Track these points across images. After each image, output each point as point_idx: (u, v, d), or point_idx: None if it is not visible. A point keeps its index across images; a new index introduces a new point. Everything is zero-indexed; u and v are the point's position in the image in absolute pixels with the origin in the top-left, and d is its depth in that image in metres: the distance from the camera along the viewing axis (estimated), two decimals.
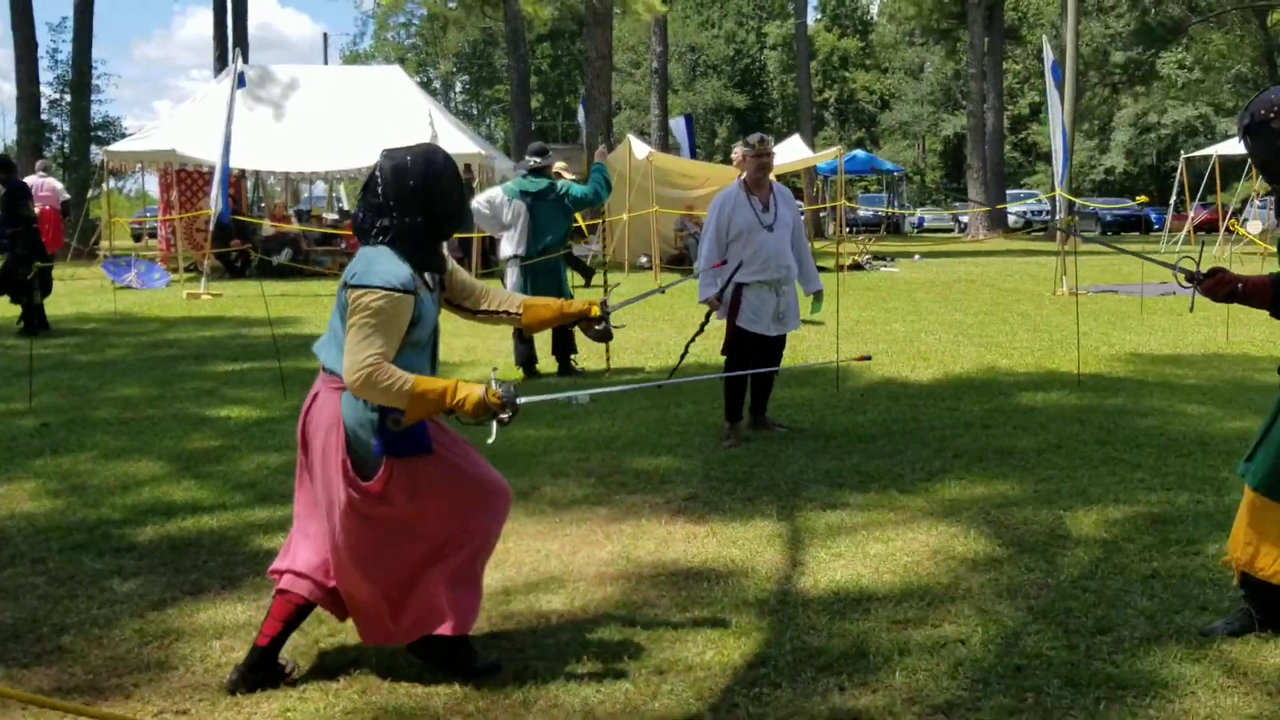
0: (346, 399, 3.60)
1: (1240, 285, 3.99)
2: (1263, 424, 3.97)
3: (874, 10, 73.75)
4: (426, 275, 3.69)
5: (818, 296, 7.62)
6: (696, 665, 3.87)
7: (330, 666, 3.90)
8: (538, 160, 10.05)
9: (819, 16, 72.73)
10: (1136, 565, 4.76)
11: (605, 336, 4.27)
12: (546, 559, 5.05)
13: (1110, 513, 5.53)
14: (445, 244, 3.82)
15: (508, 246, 9.97)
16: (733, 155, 10.38)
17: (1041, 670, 3.75)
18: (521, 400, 3.62)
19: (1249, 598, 4.02)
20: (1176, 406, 8.14)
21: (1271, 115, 3.70)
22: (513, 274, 9.88)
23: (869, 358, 4.76)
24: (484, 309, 4.05)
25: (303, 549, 3.79)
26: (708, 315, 7.63)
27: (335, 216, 28.93)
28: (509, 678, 3.78)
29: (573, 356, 10.12)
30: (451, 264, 3.92)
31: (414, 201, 3.59)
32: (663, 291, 5.12)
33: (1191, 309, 4.97)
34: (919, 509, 5.70)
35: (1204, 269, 4.05)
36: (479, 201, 10.10)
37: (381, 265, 3.53)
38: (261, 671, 3.73)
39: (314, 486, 3.73)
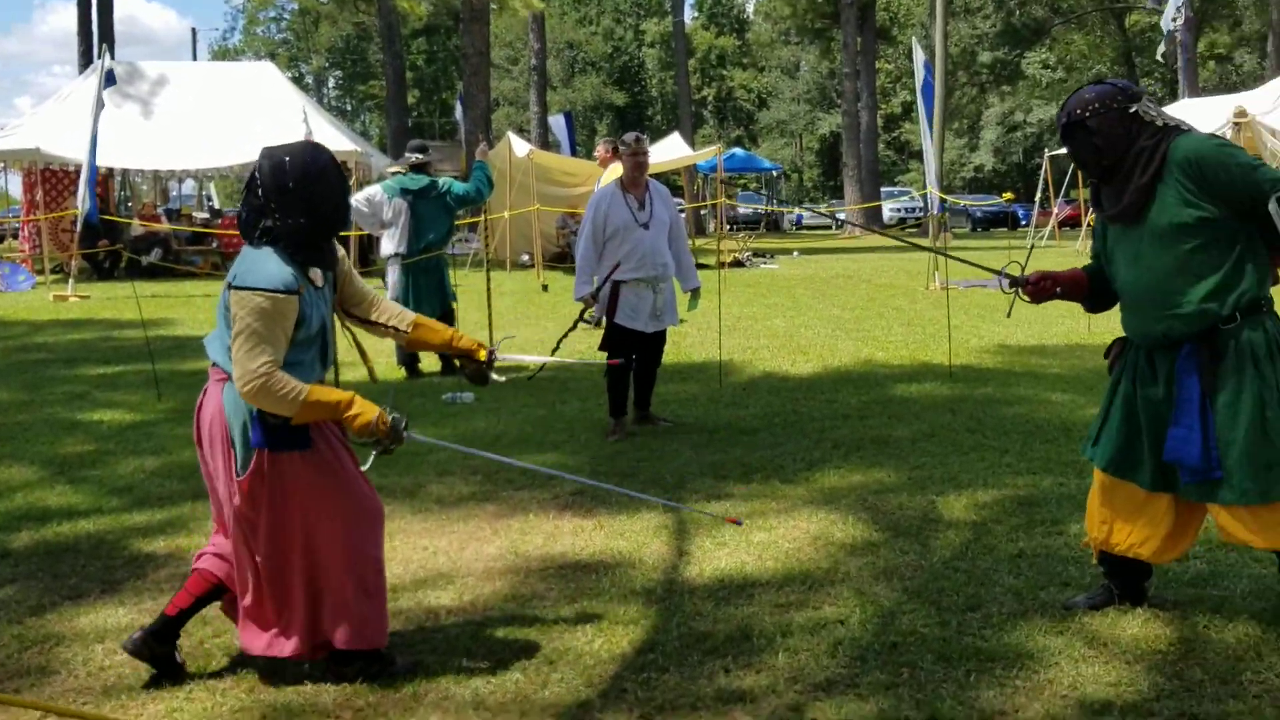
0: (229, 390, 3.58)
1: (1059, 288, 4.20)
2: (1102, 406, 4.17)
3: (750, 9, 74.70)
4: (315, 274, 3.65)
5: (695, 294, 7.74)
6: (585, 654, 3.94)
7: (217, 667, 3.87)
8: (419, 157, 10.00)
9: (696, 15, 73.38)
10: (1004, 545, 4.97)
11: (482, 380, 4.17)
12: (434, 555, 5.07)
13: (980, 497, 5.75)
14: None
15: (388, 245, 9.88)
16: (596, 153, 10.47)
17: (916, 646, 3.91)
18: (409, 435, 3.65)
19: (1108, 573, 4.24)
20: (1042, 395, 8.48)
21: (1087, 114, 3.87)
22: (393, 272, 9.79)
23: (740, 523, 4.75)
24: (372, 319, 3.99)
25: (222, 535, 3.80)
26: (581, 312, 7.71)
27: (206, 215, 28.25)
28: (399, 672, 3.80)
29: None
30: (347, 266, 3.88)
31: (294, 201, 3.54)
32: (550, 356, 5.08)
33: (1009, 314, 5.21)
34: (800, 498, 5.86)
35: (1063, 266, 4.26)
36: (358, 199, 10.00)
37: (263, 267, 3.50)
38: (164, 641, 3.72)
39: (214, 479, 3.72)
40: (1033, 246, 5.66)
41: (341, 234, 4.26)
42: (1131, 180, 3.84)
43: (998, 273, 4.36)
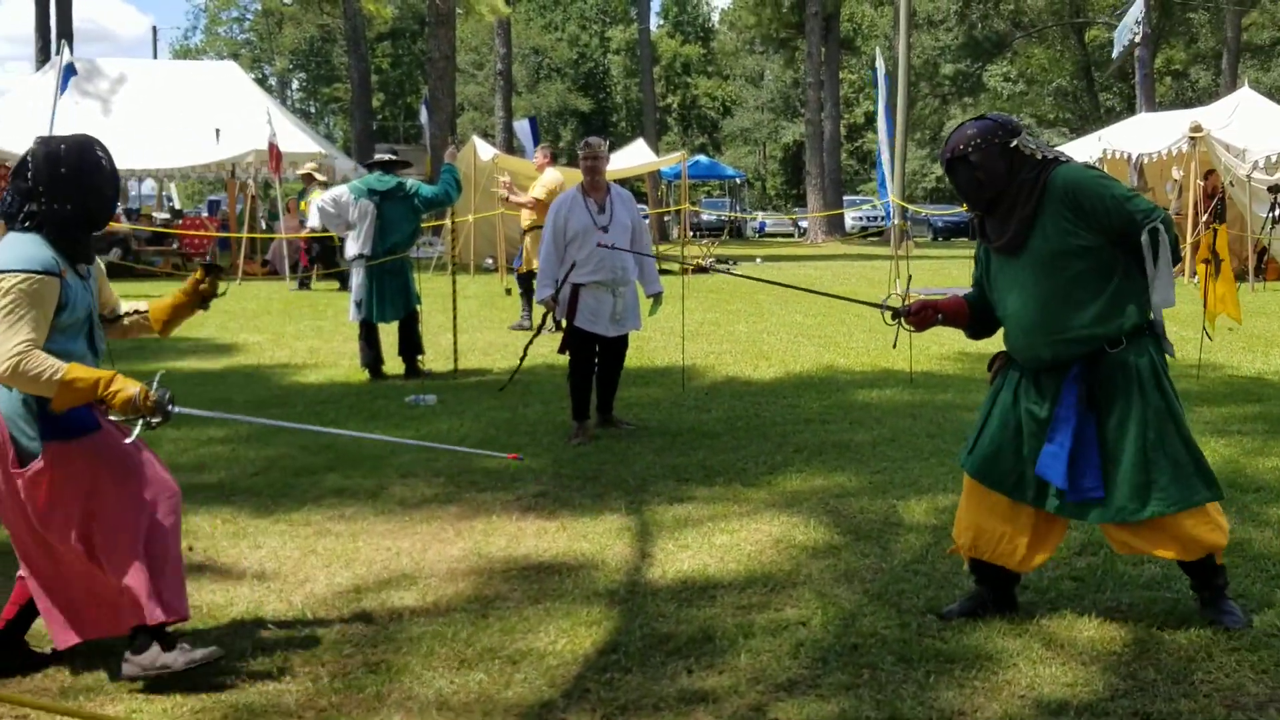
0: (1, 389, 3.56)
1: (940, 315, 4.32)
2: (980, 416, 4.26)
3: (715, 18, 74.99)
4: (76, 266, 3.66)
5: (657, 299, 7.75)
6: (549, 654, 3.95)
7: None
8: (389, 156, 10.01)
9: (661, 22, 73.53)
10: None
11: (207, 299, 4.15)
12: (397, 556, 5.06)
13: (940, 501, 5.82)
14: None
15: (353, 246, 9.83)
16: (535, 159, 10.44)
17: (876, 648, 3.95)
18: (175, 410, 3.65)
19: (978, 580, 4.29)
20: None
21: (969, 149, 3.99)
22: (358, 274, 9.74)
23: (520, 458, 5.21)
24: (117, 316, 4.05)
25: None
26: (544, 316, 7.70)
27: (166, 215, 27.99)
28: (363, 672, 3.81)
29: (419, 357, 10.06)
30: (99, 267, 3.91)
31: (65, 189, 3.59)
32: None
33: (895, 345, 5.32)
34: (762, 501, 5.90)
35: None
36: (324, 200, 9.97)
37: (22, 249, 3.51)
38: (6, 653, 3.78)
39: None
40: (909, 278, 5.75)
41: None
42: (1014, 212, 3.98)
43: (879, 305, 4.48)
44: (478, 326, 13.56)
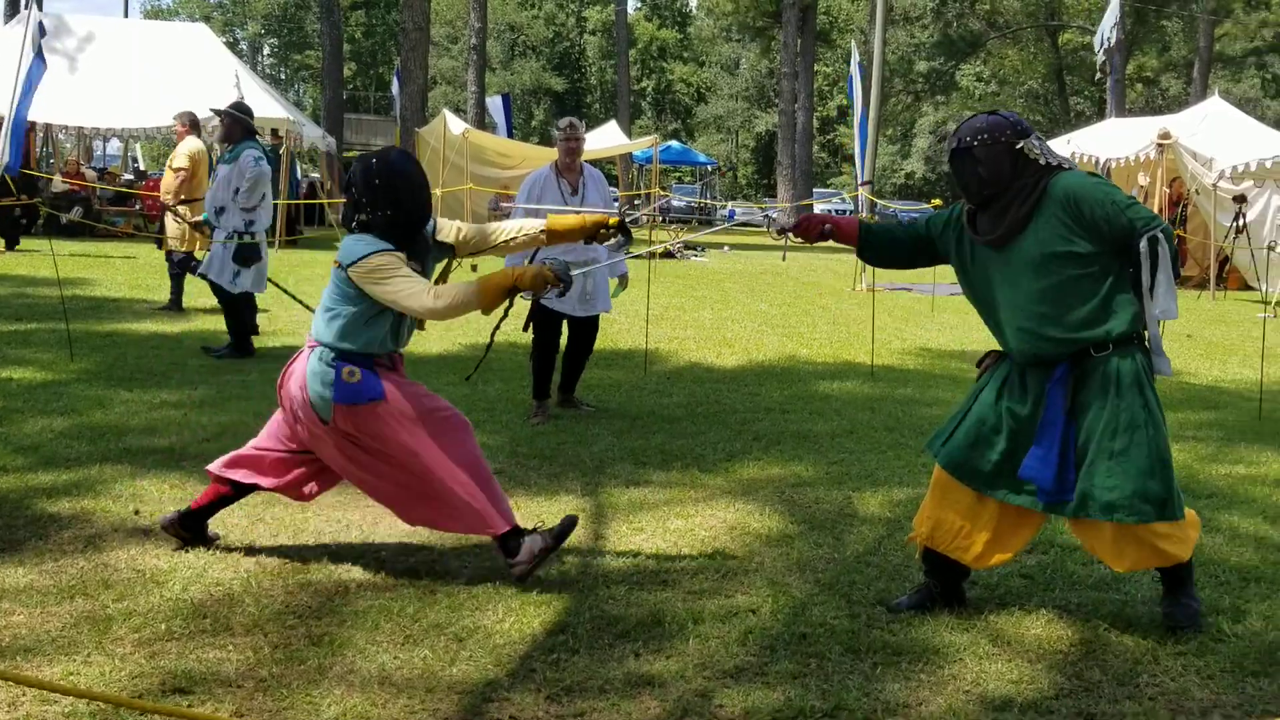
0: (312, 359, 4.32)
1: (828, 225, 4.40)
2: (959, 408, 4.27)
3: (693, 3, 74.77)
4: (410, 261, 4.32)
5: (622, 280, 7.71)
6: (495, 633, 3.92)
7: (119, 633, 3.79)
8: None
9: (639, 5, 73.32)
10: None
11: (627, 234, 4.77)
12: (347, 529, 5.01)
13: (895, 494, 5.82)
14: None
15: (266, 216, 9.49)
16: (176, 127, 9.47)
17: (825, 638, 3.94)
18: (574, 273, 4.41)
19: (928, 571, 4.30)
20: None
21: (975, 142, 3.99)
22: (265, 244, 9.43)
23: None
24: (504, 241, 4.64)
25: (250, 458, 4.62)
26: (513, 294, 7.60)
27: (130, 176, 27.59)
28: (305, 644, 3.76)
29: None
30: (456, 225, 4.60)
31: (381, 198, 4.27)
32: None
33: (784, 258, 5.32)
34: (719, 487, 5.89)
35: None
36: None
37: (365, 243, 4.25)
38: (190, 525, 4.63)
39: (291, 425, 4.48)
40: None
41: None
42: (1009, 211, 3.98)
43: (766, 216, 4.54)
44: None
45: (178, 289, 11.84)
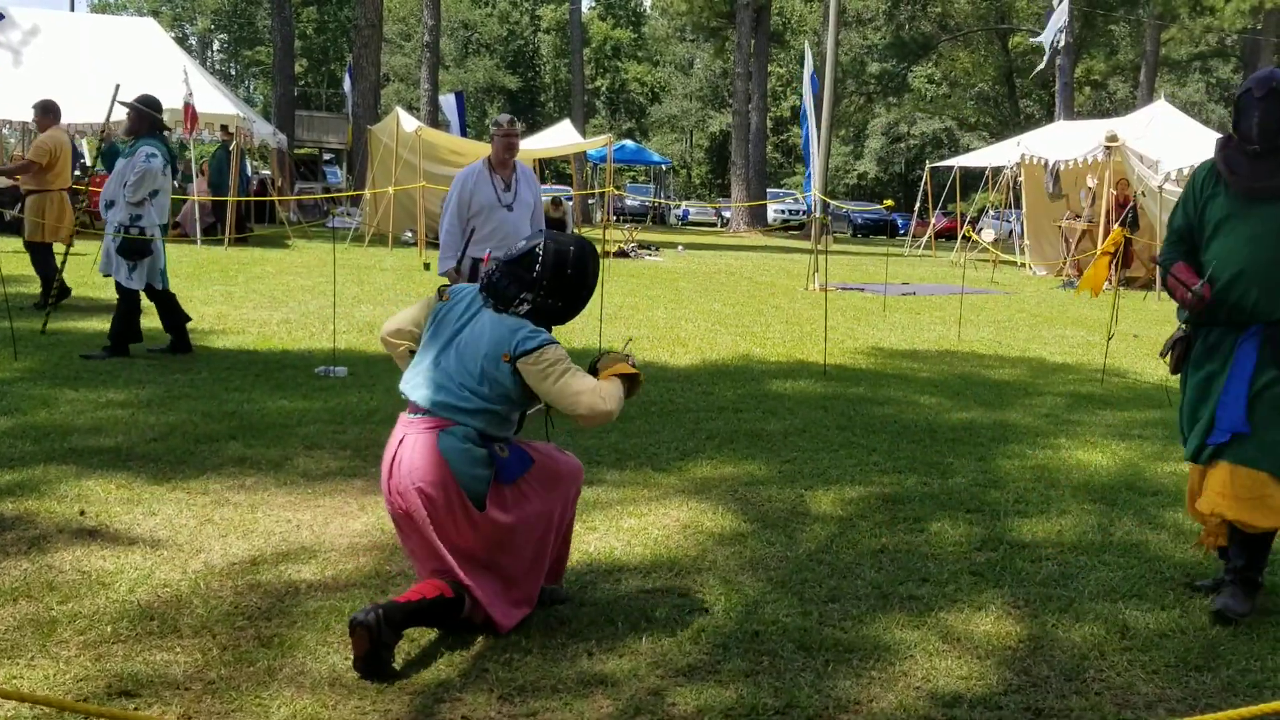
0: (448, 439, 3.81)
1: (1192, 288, 4.38)
2: (1182, 408, 4.50)
3: (647, 3, 74.81)
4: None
5: None
6: (448, 633, 3.89)
7: (64, 635, 3.73)
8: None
9: (593, 4, 73.25)
10: (867, 540, 5.07)
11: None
12: (297, 529, 4.96)
13: (847, 492, 5.86)
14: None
15: (156, 214, 9.24)
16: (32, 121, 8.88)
17: (777, 636, 3.96)
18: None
19: (1237, 554, 4.39)
20: (911, 397, 8.67)
21: None
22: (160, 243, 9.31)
23: None
24: None
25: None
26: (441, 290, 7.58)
27: (76, 173, 27.17)
28: (254, 645, 3.72)
29: (189, 324, 9.48)
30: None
31: (563, 288, 3.98)
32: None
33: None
34: (672, 486, 5.89)
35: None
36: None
37: (530, 331, 3.89)
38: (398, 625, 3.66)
39: (430, 523, 3.82)
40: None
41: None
42: None
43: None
44: (393, 299, 13.39)
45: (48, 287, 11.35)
